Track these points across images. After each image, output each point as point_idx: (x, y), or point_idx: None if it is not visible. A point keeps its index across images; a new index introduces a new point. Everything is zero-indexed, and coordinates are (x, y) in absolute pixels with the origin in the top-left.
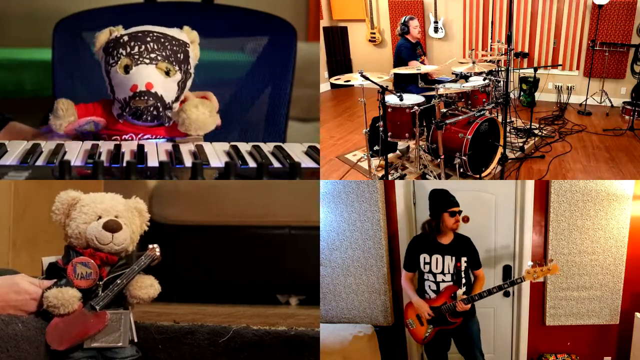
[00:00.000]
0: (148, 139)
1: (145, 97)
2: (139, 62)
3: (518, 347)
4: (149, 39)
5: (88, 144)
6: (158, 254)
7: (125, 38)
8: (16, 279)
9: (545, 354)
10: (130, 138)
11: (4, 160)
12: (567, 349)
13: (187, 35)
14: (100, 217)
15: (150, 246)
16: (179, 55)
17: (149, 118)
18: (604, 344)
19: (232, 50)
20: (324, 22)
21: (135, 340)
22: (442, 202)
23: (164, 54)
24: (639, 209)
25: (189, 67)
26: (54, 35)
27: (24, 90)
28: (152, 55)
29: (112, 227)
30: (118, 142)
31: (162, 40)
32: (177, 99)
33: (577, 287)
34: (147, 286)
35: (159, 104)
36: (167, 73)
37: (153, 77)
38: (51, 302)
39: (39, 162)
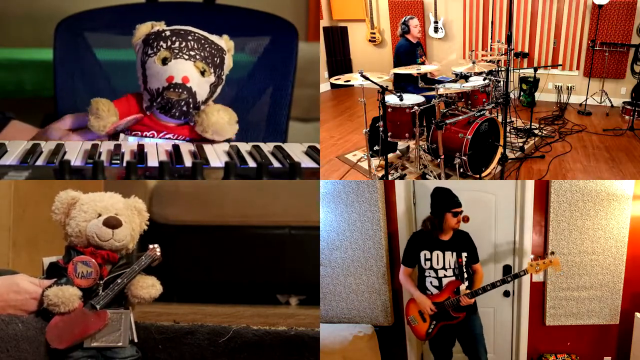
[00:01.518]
0: (169, 138)
1: (180, 90)
2: (178, 56)
3: (518, 347)
4: (190, 37)
5: (88, 144)
6: (159, 254)
7: (167, 33)
8: (16, 279)
9: (545, 354)
10: (151, 136)
11: (4, 160)
12: (567, 349)
13: (225, 43)
14: (100, 215)
15: (151, 246)
16: (215, 59)
17: (177, 114)
18: (604, 344)
19: (234, 50)
20: (324, 22)
21: (136, 340)
22: (446, 201)
23: (202, 54)
24: (639, 209)
25: (222, 73)
26: (55, 36)
27: (24, 90)
28: (192, 53)
29: (113, 223)
30: (118, 142)
31: (203, 41)
32: (206, 100)
33: (577, 287)
34: (149, 286)
35: (190, 100)
36: (203, 73)
37: (190, 73)
38: (51, 301)
39: (39, 162)
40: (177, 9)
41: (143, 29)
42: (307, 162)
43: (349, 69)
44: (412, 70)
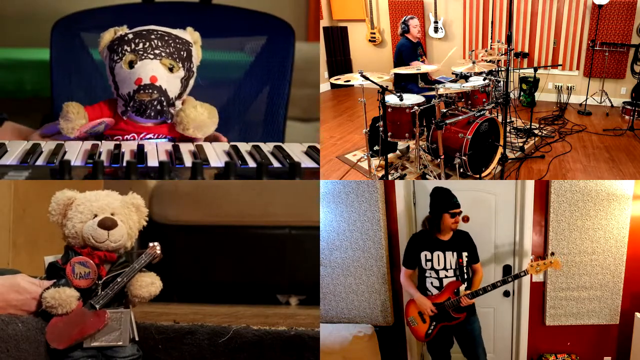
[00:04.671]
0: (150, 138)
1: (150, 90)
2: (143, 57)
3: (518, 347)
4: (153, 36)
5: (88, 144)
6: (159, 252)
7: (130, 36)
8: (17, 279)
9: (545, 354)
10: (132, 138)
11: (4, 160)
12: (567, 349)
13: (190, 35)
14: (96, 216)
15: (151, 244)
16: (182, 53)
17: (152, 114)
18: (604, 344)
19: (231, 50)
20: (324, 22)
21: (137, 338)
22: (444, 202)
23: (167, 50)
24: (639, 209)
25: (191, 66)
26: (51, 36)
27: (23, 90)
28: (157, 52)
29: (107, 224)
30: (118, 142)
31: (166, 38)
32: (179, 95)
33: (577, 287)
34: (148, 284)
35: (162, 98)
36: (171, 69)
37: (157, 71)
38: (49, 303)
39: (39, 162)
40: (173, 8)
41: (107, 37)
42: (307, 162)
43: (349, 69)
44: (412, 70)
